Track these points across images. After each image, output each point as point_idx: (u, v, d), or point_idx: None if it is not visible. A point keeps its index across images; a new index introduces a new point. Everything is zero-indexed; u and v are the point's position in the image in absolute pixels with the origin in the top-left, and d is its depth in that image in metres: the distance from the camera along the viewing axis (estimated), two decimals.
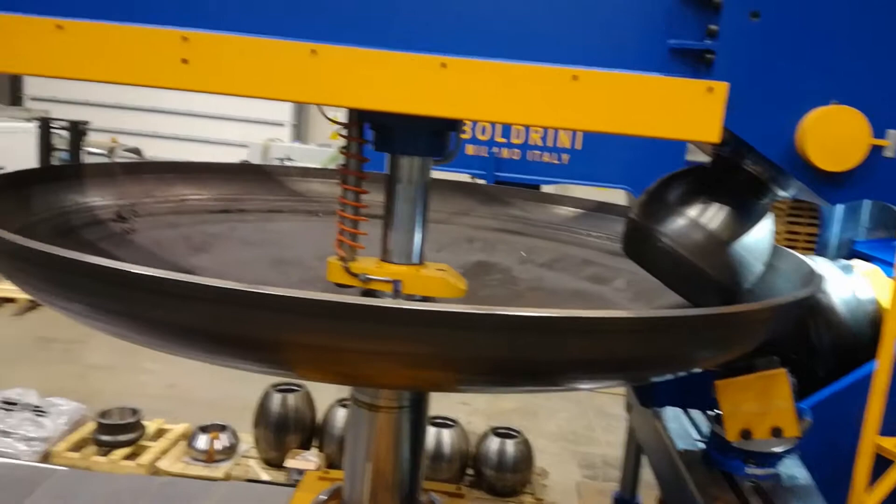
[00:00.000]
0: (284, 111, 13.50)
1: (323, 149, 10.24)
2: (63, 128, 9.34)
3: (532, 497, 4.63)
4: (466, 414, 5.84)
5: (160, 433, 5.29)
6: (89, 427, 5.10)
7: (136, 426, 5.10)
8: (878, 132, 1.63)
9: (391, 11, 1.63)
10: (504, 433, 4.75)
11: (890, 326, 1.54)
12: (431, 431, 4.53)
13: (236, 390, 6.12)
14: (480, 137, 7.59)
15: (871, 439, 1.51)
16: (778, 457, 1.76)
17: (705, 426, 2.01)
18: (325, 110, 1.87)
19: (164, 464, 4.86)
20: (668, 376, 1.72)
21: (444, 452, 4.52)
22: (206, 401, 6.01)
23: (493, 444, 4.64)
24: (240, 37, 1.59)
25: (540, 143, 7.76)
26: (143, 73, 1.62)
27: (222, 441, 4.97)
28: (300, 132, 13.74)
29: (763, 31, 1.62)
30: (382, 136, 1.93)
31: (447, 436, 4.57)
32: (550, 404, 6.61)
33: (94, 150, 9.43)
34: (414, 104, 1.59)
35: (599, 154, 7.62)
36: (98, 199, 2.31)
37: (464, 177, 7.27)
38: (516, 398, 6.66)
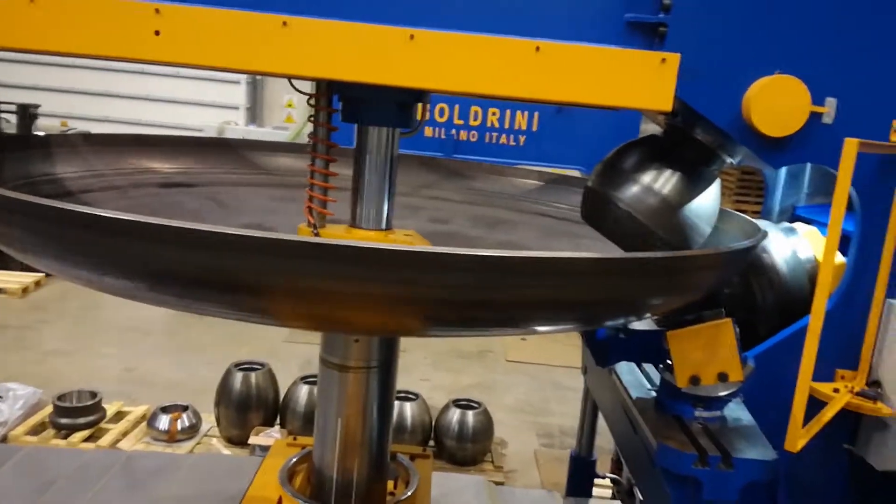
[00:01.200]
0: (239, 94, 13.31)
1: (278, 131, 10.17)
2: (12, 111, 9.08)
3: (492, 465, 4.77)
4: (427, 390, 5.93)
5: (120, 415, 5.26)
6: (47, 411, 5.05)
7: (95, 408, 5.06)
8: (818, 100, 1.76)
9: None
10: (464, 404, 4.87)
11: (822, 281, 1.67)
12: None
13: (196, 372, 6.12)
14: (439, 119, 7.66)
15: (805, 383, 1.65)
16: (724, 401, 1.89)
17: (657, 377, 2.14)
18: (285, 92, 1.92)
19: (124, 445, 4.85)
20: (625, 319, 1.84)
21: (407, 424, 4.61)
22: (166, 383, 5.98)
23: (454, 415, 4.76)
24: (212, 9, 1.63)
25: (497, 124, 7.87)
26: (117, 45, 1.64)
27: (184, 421, 4.97)
28: (255, 115, 13.58)
29: (713, 5, 1.73)
30: (351, 107, 1.99)
31: (409, 408, 4.67)
32: (508, 379, 6.76)
33: (43, 134, 9.22)
34: (383, 75, 1.66)
35: (555, 136, 7.77)
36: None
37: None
38: (475, 374, 6.79)
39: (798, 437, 1.63)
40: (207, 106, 13.02)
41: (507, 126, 7.88)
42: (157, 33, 1.63)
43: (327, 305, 1.26)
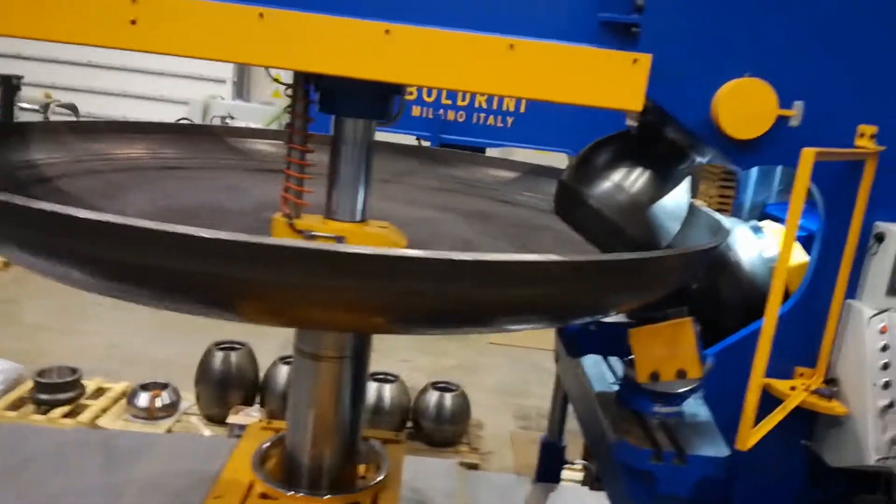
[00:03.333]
0: (226, 68, 13.12)
1: (265, 107, 10.07)
2: None
3: (468, 447, 4.83)
4: (408, 370, 5.99)
5: (100, 392, 5.27)
6: (27, 386, 5.06)
7: (75, 385, 5.07)
8: (785, 103, 1.79)
9: None
10: (443, 387, 4.92)
11: (776, 285, 1.69)
12: (373, 386, 4.66)
13: (180, 349, 6.12)
14: (426, 99, 7.63)
15: (757, 383, 1.69)
16: (682, 397, 1.95)
17: (620, 371, 2.19)
18: (270, 70, 1.93)
19: (104, 421, 4.86)
20: (590, 318, 1.88)
21: (385, 406, 4.66)
22: (149, 360, 6.00)
23: (432, 397, 4.80)
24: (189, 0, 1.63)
25: (485, 105, 7.84)
26: (93, 34, 1.65)
27: (163, 398, 4.99)
28: (242, 89, 13.43)
29: (685, 7, 1.76)
30: (327, 98, 2.00)
31: (388, 390, 4.72)
32: (490, 361, 6.82)
33: (27, 105, 9.07)
34: (358, 69, 1.67)
35: (543, 118, 7.75)
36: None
37: (409, 138, 7.32)
38: (456, 356, 6.85)
39: (749, 436, 1.68)
40: (194, 79, 12.87)
41: (494, 107, 7.87)
42: (133, 23, 1.63)
43: (286, 305, 1.29)
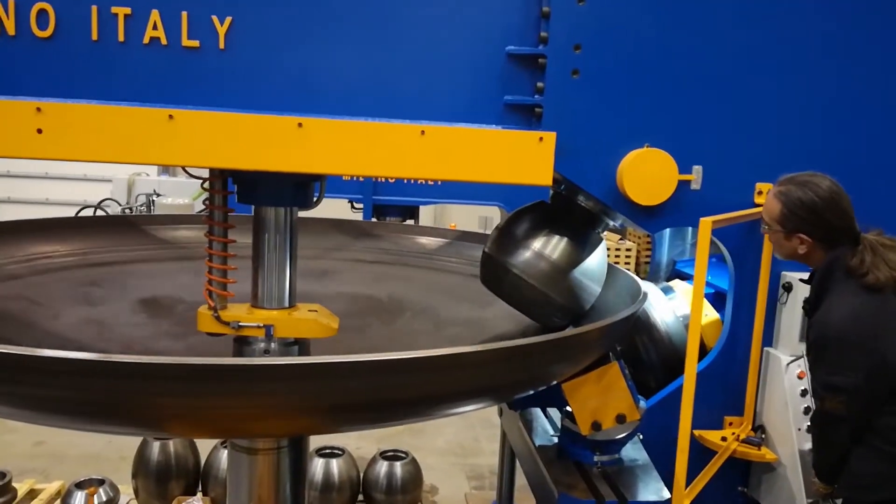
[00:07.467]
0: None
1: (192, 180, 9.92)
2: None
3: None
4: (356, 439, 5.88)
5: (33, 494, 5.00)
6: None
7: (6, 489, 4.79)
8: (685, 169, 1.89)
9: (249, 75, 1.72)
10: (392, 455, 4.83)
11: (691, 350, 1.75)
12: (319, 462, 4.55)
13: (111, 439, 5.87)
14: None
15: (684, 448, 1.72)
16: (621, 443, 1.97)
17: (559, 422, 2.20)
18: (188, 169, 1.93)
19: None
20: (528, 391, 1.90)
21: (333, 483, 4.53)
22: (80, 455, 5.73)
23: (382, 467, 4.70)
24: (94, 105, 1.64)
25: None
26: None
27: (100, 496, 4.75)
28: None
29: (583, 87, 1.85)
30: (245, 190, 2.00)
31: (335, 465, 4.60)
32: (437, 421, 6.76)
33: None
34: (273, 163, 1.69)
35: None
36: None
37: (342, 202, 7.27)
38: None
39: (683, 497, 1.71)
40: None
41: None
42: (39, 131, 1.62)
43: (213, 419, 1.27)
